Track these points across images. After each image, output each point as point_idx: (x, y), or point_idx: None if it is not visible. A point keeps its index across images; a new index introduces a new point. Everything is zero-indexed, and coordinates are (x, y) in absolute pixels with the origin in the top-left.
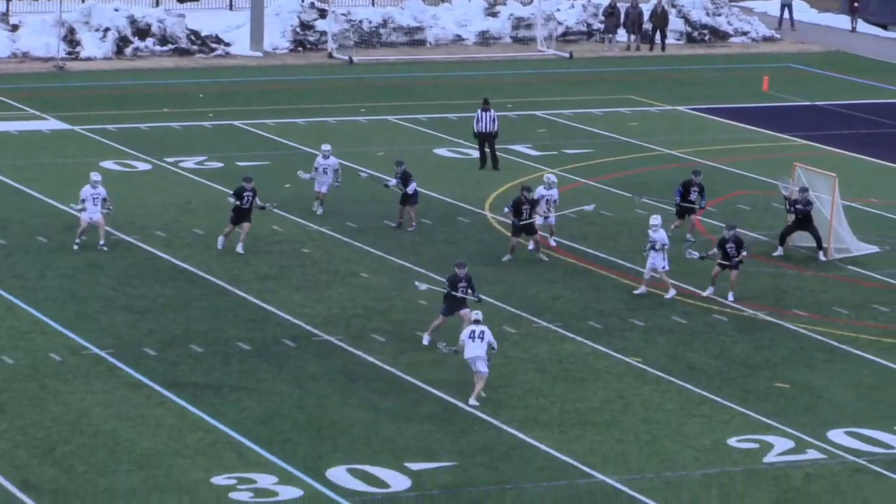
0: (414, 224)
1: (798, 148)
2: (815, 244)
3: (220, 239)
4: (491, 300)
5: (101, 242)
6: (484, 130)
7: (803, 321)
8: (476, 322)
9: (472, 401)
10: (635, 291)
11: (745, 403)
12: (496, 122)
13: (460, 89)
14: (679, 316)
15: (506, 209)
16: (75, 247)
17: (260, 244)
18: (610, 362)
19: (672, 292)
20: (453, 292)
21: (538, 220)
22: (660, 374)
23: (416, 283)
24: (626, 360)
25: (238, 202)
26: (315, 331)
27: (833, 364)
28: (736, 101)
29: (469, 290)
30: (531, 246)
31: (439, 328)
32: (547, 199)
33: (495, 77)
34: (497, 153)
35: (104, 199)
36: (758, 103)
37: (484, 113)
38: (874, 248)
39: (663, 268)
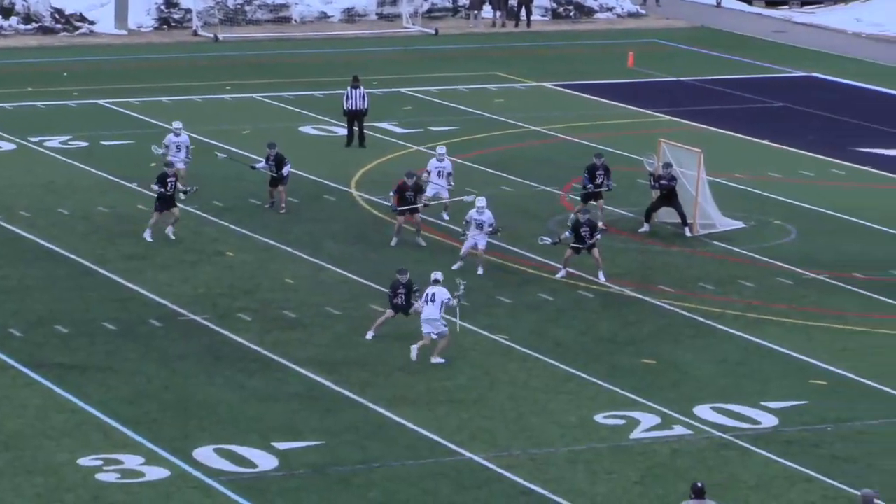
0: (284, 206)
1: (663, 123)
2: (679, 220)
3: (148, 231)
4: (359, 279)
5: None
6: (354, 108)
7: (669, 297)
8: (435, 282)
9: (435, 358)
10: (454, 267)
11: (612, 380)
12: (366, 99)
13: (326, 67)
14: (546, 293)
15: (391, 194)
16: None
17: (125, 224)
18: (476, 339)
19: (480, 270)
20: (392, 298)
21: (421, 205)
22: (526, 351)
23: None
24: (493, 337)
25: (162, 189)
26: (181, 310)
27: (699, 340)
28: (601, 77)
29: (405, 297)
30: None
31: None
32: (440, 171)
33: (361, 54)
34: (364, 131)
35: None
36: (623, 79)
37: (354, 90)
38: (739, 224)
39: (482, 248)
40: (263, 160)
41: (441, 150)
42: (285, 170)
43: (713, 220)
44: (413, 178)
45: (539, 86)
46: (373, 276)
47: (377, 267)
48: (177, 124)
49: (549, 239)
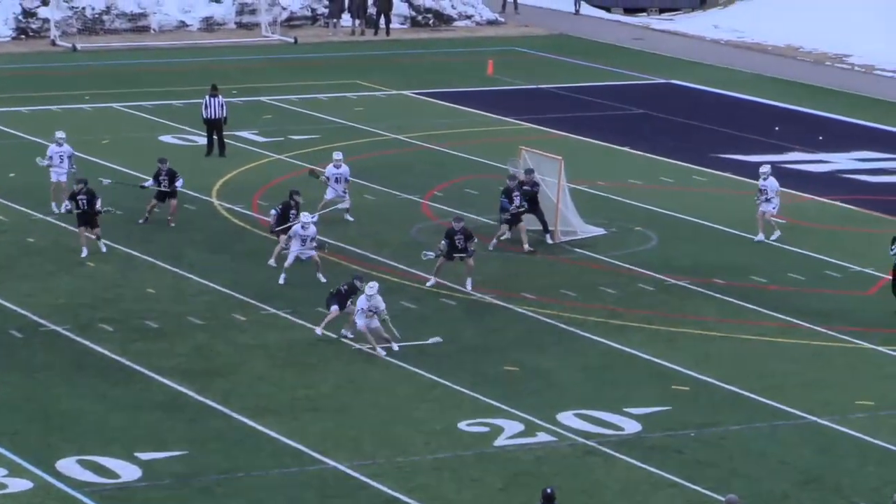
0: (172, 218)
1: (524, 131)
2: (541, 227)
3: (83, 250)
4: (219, 288)
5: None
6: (213, 117)
7: (532, 304)
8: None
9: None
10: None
11: (475, 387)
12: (224, 107)
13: (185, 76)
14: (409, 301)
15: (272, 212)
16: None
17: None
18: (340, 348)
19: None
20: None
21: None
22: (390, 359)
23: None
24: (356, 345)
25: (76, 209)
26: (42, 321)
27: (562, 346)
28: (461, 86)
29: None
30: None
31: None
32: (337, 178)
33: (220, 63)
34: (224, 140)
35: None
36: (483, 87)
37: (212, 99)
38: (600, 231)
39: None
40: (151, 178)
41: (338, 155)
42: (178, 183)
43: (574, 227)
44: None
45: (399, 94)
46: (234, 286)
47: (238, 276)
48: (59, 134)
49: (431, 253)
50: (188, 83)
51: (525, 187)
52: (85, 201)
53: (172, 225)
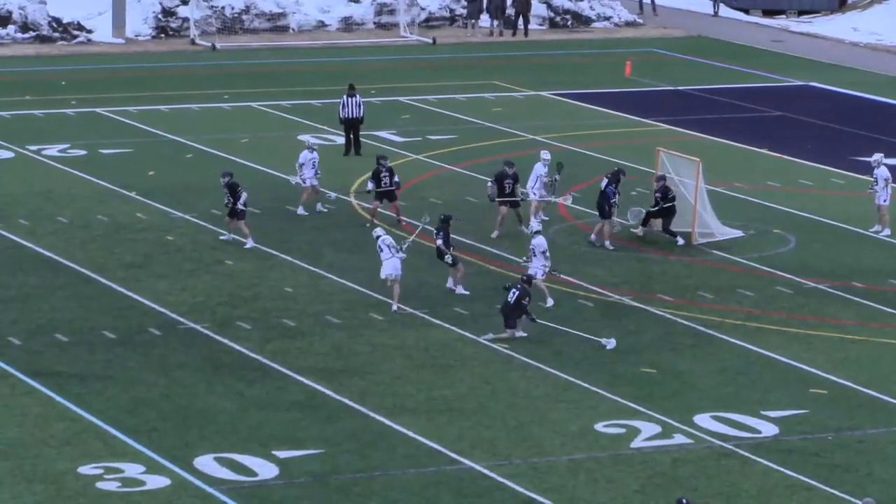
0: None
1: (661, 133)
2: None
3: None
4: (357, 287)
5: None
6: (350, 116)
7: (668, 306)
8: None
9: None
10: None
11: (612, 388)
12: (362, 107)
13: (323, 75)
14: (544, 301)
15: (489, 184)
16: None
17: (123, 232)
18: (477, 349)
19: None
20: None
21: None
22: (526, 359)
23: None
24: (493, 346)
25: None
26: (180, 319)
27: (698, 349)
28: (599, 87)
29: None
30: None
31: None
32: (314, 162)
33: (358, 63)
34: (361, 139)
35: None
36: (621, 88)
37: (350, 98)
38: (738, 233)
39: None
40: (371, 180)
41: (311, 140)
42: (242, 199)
43: (712, 230)
44: (513, 168)
45: (537, 95)
46: (372, 285)
47: (376, 276)
48: (311, 140)
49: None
50: (326, 83)
51: (657, 194)
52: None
53: (247, 247)
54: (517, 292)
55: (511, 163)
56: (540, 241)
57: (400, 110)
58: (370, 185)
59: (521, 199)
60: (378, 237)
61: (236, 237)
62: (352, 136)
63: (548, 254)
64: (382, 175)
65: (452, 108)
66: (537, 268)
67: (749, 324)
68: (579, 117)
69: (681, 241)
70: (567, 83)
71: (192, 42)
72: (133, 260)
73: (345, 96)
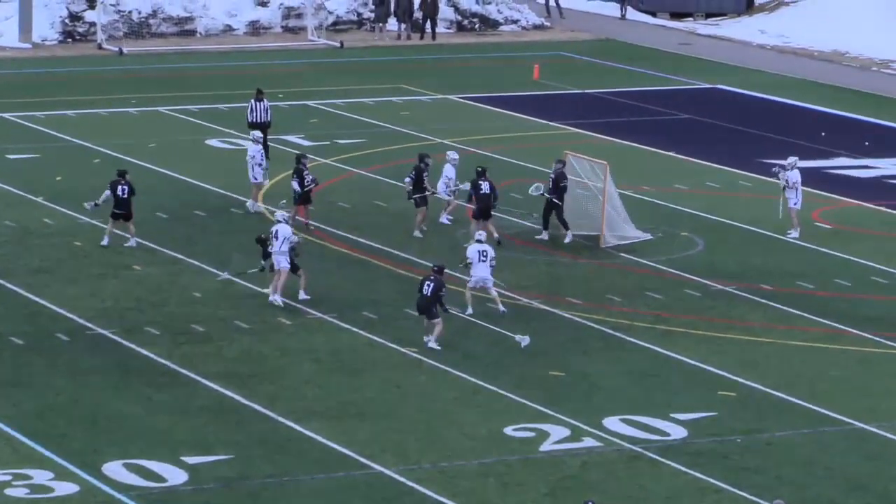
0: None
1: (570, 136)
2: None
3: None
4: (266, 292)
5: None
6: (258, 121)
7: (578, 309)
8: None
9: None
10: None
11: (521, 392)
12: (269, 111)
13: (231, 79)
14: (454, 305)
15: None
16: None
17: (31, 237)
18: (385, 353)
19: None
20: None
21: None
22: (435, 363)
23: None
24: (402, 350)
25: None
26: (89, 324)
27: (608, 351)
28: (507, 90)
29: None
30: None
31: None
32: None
33: (266, 67)
34: (268, 143)
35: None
36: (529, 91)
37: (257, 103)
38: (647, 236)
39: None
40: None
41: (257, 134)
42: (308, 179)
43: (624, 231)
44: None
45: (445, 98)
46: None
47: (288, 282)
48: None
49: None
50: (234, 87)
51: (551, 175)
52: (126, 190)
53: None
54: (432, 284)
55: (426, 155)
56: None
57: (308, 114)
58: (295, 186)
59: (431, 192)
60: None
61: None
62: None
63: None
64: (305, 174)
65: (360, 112)
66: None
67: (658, 326)
68: (487, 120)
69: (569, 237)
70: (475, 87)
71: (100, 46)
72: (41, 265)
73: (252, 101)
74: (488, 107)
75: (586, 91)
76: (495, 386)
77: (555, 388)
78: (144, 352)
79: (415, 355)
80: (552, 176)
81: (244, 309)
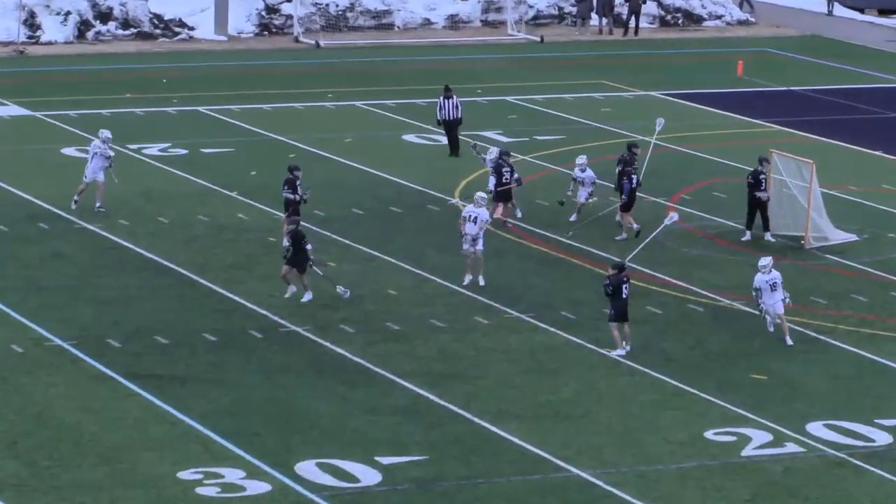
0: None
1: (774, 134)
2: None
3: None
4: (462, 290)
5: (98, 204)
6: (448, 118)
7: None
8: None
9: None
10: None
11: (722, 395)
12: (459, 108)
13: (429, 74)
14: (654, 306)
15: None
16: (73, 206)
17: (226, 233)
18: (583, 353)
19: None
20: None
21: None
22: (634, 365)
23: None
24: (600, 351)
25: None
26: (282, 321)
27: (811, 355)
28: (710, 87)
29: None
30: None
31: None
32: (582, 181)
33: (465, 62)
34: (459, 139)
35: (109, 158)
36: (732, 88)
37: (446, 100)
38: (852, 237)
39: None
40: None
41: (581, 159)
42: (509, 177)
43: (825, 233)
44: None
45: (647, 95)
46: (476, 287)
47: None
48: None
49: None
50: (432, 81)
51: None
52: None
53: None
54: (628, 285)
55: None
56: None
57: (507, 110)
58: (492, 183)
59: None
60: None
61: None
62: (451, 137)
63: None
64: (504, 171)
65: (560, 108)
66: None
67: (863, 330)
68: (690, 118)
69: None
70: (677, 83)
71: (296, 40)
72: (235, 261)
73: (441, 98)
74: (691, 104)
75: (792, 88)
76: (695, 389)
77: (756, 391)
78: (338, 350)
79: (613, 356)
80: (757, 177)
81: (439, 307)
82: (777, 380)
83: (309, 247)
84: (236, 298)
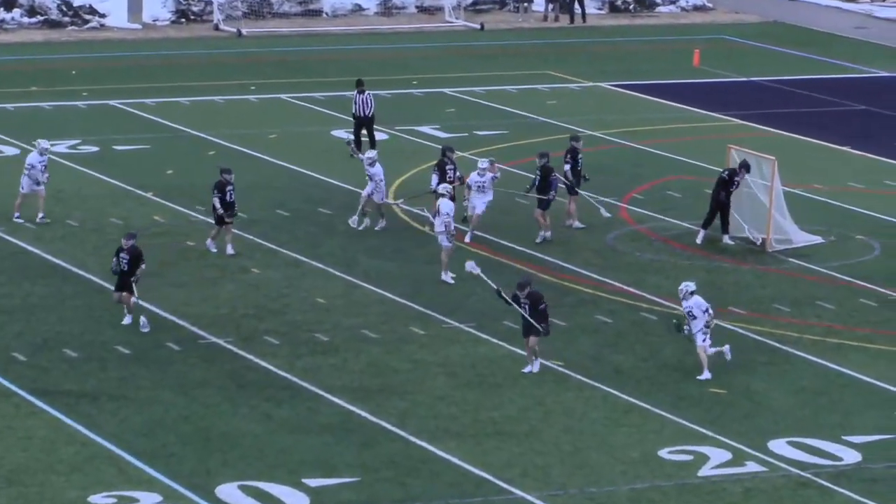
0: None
1: (733, 128)
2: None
3: (209, 242)
4: (396, 298)
5: (41, 215)
6: (358, 114)
7: (740, 320)
8: None
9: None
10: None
11: (678, 411)
12: (371, 103)
13: (360, 64)
14: (604, 314)
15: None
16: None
17: (140, 236)
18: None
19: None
20: None
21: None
22: (583, 378)
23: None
24: (546, 363)
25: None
26: (201, 333)
27: (774, 367)
28: (664, 77)
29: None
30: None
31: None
32: (480, 186)
33: (398, 51)
34: (375, 136)
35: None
36: (688, 79)
37: (358, 95)
38: (817, 239)
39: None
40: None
41: (483, 163)
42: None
43: (789, 235)
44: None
45: (595, 86)
46: (412, 295)
47: (417, 285)
48: (44, 143)
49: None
50: (364, 73)
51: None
52: (126, 261)
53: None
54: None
55: (545, 153)
56: None
57: (444, 103)
58: (434, 182)
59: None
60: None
61: None
62: (356, 135)
63: None
64: (448, 168)
65: (502, 101)
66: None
67: (829, 339)
68: (642, 111)
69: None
70: (629, 73)
71: (216, 27)
72: (149, 267)
73: (355, 93)
74: (643, 95)
75: (751, 79)
76: (649, 404)
77: (715, 406)
78: (263, 363)
79: (561, 369)
80: (726, 174)
81: (372, 316)
82: (737, 394)
83: (143, 266)
84: (151, 308)
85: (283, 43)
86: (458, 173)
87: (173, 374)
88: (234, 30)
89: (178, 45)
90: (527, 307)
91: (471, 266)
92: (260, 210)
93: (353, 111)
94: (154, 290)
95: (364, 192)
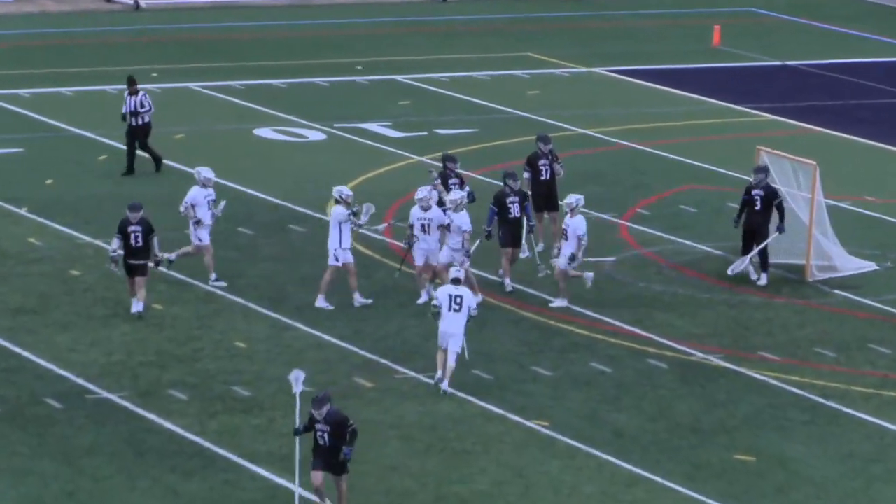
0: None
1: (762, 125)
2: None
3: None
4: (337, 342)
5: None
6: (132, 123)
7: (773, 368)
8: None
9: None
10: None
11: (694, 484)
12: (147, 109)
13: (291, 45)
14: (601, 362)
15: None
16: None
17: (10, 263)
18: (505, 427)
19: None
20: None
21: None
22: (574, 443)
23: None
24: (528, 423)
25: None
26: (89, 386)
27: (814, 427)
28: (676, 61)
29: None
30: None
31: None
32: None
33: (340, 27)
34: (152, 150)
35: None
36: (706, 63)
37: (129, 97)
38: (870, 266)
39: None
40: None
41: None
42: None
43: (833, 261)
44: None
45: (589, 72)
46: (354, 338)
47: (360, 325)
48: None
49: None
50: (295, 55)
51: (755, 192)
52: (140, 235)
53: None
54: None
55: (513, 174)
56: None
57: (397, 94)
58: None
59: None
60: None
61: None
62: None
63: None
64: (452, 183)
65: (470, 91)
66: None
67: (885, 392)
68: (648, 103)
69: (763, 279)
70: (631, 56)
71: (108, 0)
72: (23, 303)
73: (126, 93)
74: (649, 84)
75: (786, 63)
76: (658, 475)
77: (741, 478)
78: (167, 424)
79: (546, 432)
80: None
81: (306, 364)
82: (769, 462)
83: (156, 239)
84: (25, 354)
85: (191, 18)
86: (466, 188)
87: (54, 439)
88: (132, 2)
89: (60, 23)
90: (325, 435)
91: (295, 377)
92: (163, 230)
93: (123, 115)
94: (30, 332)
95: (420, 261)
